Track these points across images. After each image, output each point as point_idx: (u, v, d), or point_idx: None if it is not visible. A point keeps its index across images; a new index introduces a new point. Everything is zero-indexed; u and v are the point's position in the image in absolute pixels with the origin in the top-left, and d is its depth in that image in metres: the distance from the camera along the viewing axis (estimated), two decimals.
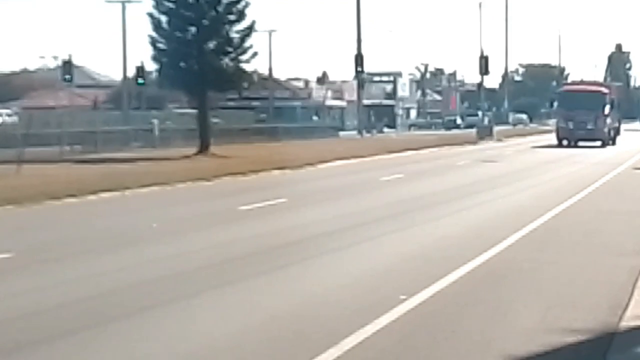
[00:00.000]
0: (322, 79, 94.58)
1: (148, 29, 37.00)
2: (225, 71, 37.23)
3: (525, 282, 9.93)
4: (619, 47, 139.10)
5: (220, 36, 37.15)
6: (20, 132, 31.00)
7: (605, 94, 48.81)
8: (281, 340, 7.43)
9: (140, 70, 52.25)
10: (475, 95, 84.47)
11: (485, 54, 68.63)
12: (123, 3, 55.01)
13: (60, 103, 56.87)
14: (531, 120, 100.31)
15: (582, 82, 57.91)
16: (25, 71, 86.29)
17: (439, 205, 17.93)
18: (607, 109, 47.69)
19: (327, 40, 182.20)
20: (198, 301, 9.00)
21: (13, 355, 7.01)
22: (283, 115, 67.74)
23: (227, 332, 7.79)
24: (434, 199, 19.31)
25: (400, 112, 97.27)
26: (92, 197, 19.70)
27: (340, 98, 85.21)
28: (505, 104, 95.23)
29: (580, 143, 45.59)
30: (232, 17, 37.22)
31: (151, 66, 42.64)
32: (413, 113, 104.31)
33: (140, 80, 52.78)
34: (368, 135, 64.57)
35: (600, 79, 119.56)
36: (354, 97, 70.57)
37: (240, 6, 37.23)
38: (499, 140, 54.87)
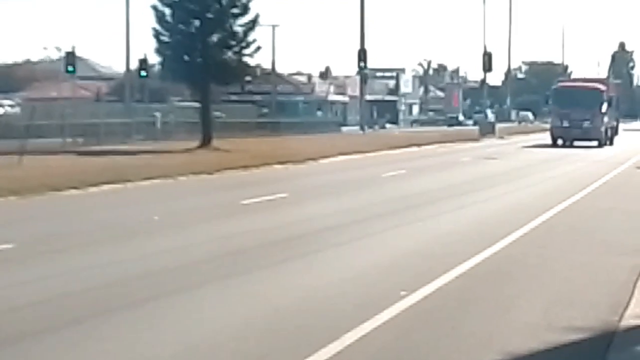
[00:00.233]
0: (325, 74, 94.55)
1: (152, 22, 37.04)
2: (229, 65, 37.25)
3: (526, 280, 9.94)
4: (622, 45, 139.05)
5: (224, 29, 37.14)
6: (22, 124, 31.01)
7: (602, 91, 46.04)
8: (283, 333, 7.45)
9: (143, 62, 52.18)
10: (478, 92, 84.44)
11: (488, 51, 68.67)
12: None
13: (63, 94, 56.85)
14: (535, 118, 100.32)
15: (578, 79, 55.41)
16: (28, 62, 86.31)
17: (441, 202, 17.94)
18: (604, 107, 45.34)
19: (330, 35, 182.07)
20: (200, 293, 9.02)
21: (17, 344, 7.03)
22: (285, 110, 67.74)
23: (229, 324, 7.81)
24: (435, 195, 19.32)
25: (402, 108, 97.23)
26: (94, 189, 19.72)
27: (343, 93, 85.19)
28: (508, 102, 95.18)
29: (576, 143, 43.75)
30: (236, 11, 37.22)
31: (154, 59, 42.60)
32: (415, 109, 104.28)
33: (143, 73, 52.71)
34: (370, 130, 64.57)
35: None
36: (357, 93, 70.54)
37: (244, 0, 37.22)
38: (501, 137, 54.86)
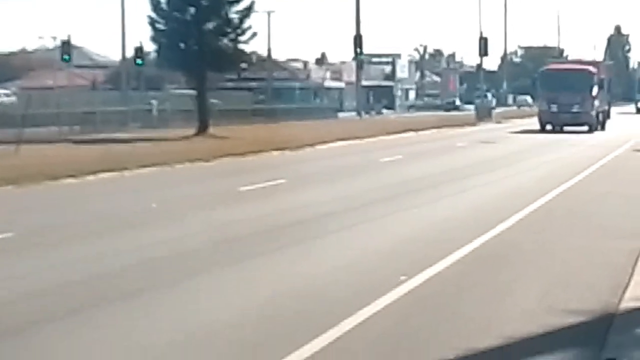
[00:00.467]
0: (321, 60, 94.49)
1: (147, 9, 36.95)
2: (224, 52, 37.17)
3: (524, 264, 9.95)
4: (618, 29, 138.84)
5: (219, 17, 37.04)
6: (19, 113, 30.93)
7: (592, 73, 43.64)
8: (280, 320, 7.44)
9: (139, 50, 52.09)
10: (474, 77, 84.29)
11: (484, 36, 68.61)
12: None
13: (59, 83, 56.77)
14: (533, 102, 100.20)
15: (566, 61, 53.57)
16: (23, 51, 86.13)
17: (439, 187, 17.93)
18: (594, 90, 42.99)
19: (325, 21, 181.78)
20: (197, 282, 9.01)
21: (15, 334, 7.02)
22: (282, 96, 67.64)
23: (228, 312, 7.81)
24: (433, 180, 19.31)
25: (399, 93, 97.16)
26: (91, 178, 19.69)
27: (339, 79, 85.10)
28: (504, 86, 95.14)
29: (566, 128, 41.64)
30: None
31: (150, 47, 42.56)
32: (412, 94, 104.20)
33: (139, 61, 52.63)
34: (367, 116, 64.51)
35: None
36: (353, 78, 70.47)
37: None
38: (498, 122, 54.83)
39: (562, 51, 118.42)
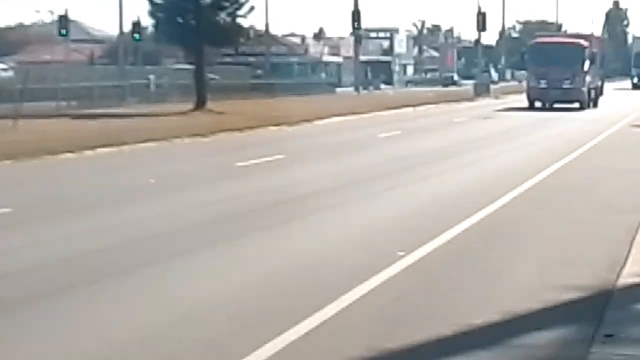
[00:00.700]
0: (318, 35, 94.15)
1: None
2: (222, 26, 37.03)
3: (523, 239, 9.96)
4: (616, 3, 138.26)
5: None
6: (16, 87, 30.83)
7: (583, 47, 41.29)
8: (280, 296, 7.45)
9: (137, 25, 51.88)
10: (473, 52, 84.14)
11: (482, 11, 68.41)
12: None
13: (56, 58, 56.56)
14: None
15: (557, 34, 51.18)
16: (20, 26, 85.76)
17: (437, 162, 17.93)
18: (586, 65, 40.71)
19: None
20: (196, 257, 9.01)
21: (11, 310, 7.02)
22: (279, 72, 67.42)
23: (226, 287, 7.81)
24: (431, 155, 19.30)
25: (397, 68, 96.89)
26: (89, 153, 19.67)
27: (337, 54, 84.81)
28: (502, 61, 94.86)
29: (555, 105, 39.78)
30: None
31: (147, 21, 42.38)
32: (410, 69, 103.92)
33: (136, 36, 52.41)
34: (365, 91, 64.37)
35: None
36: (351, 54, 70.22)
37: None
38: (496, 97, 54.71)
39: (560, 26, 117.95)
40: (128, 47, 54.87)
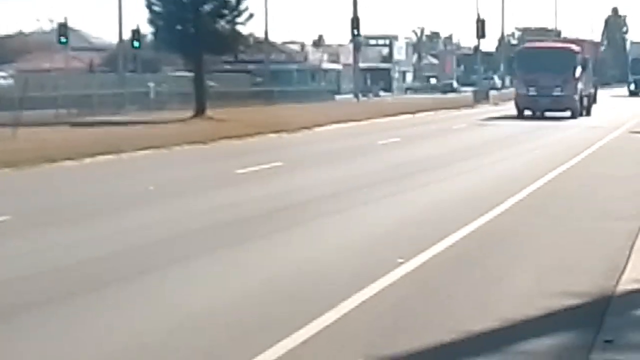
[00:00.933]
0: (318, 42, 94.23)
1: None
2: (221, 34, 37.06)
3: (522, 246, 9.95)
4: (615, 10, 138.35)
5: None
6: (16, 95, 30.85)
7: (575, 52, 39.08)
8: (279, 303, 7.43)
9: (136, 33, 51.89)
10: (472, 59, 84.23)
11: (481, 18, 68.42)
12: None
13: (56, 66, 56.60)
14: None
15: (548, 39, 49.06)
16: (20, 34, 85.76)
17: (436, 169, 17.93)
18: (577, 71, 38.42)
19: (323, 3, 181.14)
20: (196, 264, 9.00)
21: (10, 317, 7.01)
22: (279, 79, 67.45)
23: (225, 294, 7.80)
24: (430, 162, 19.30)
25: (396, 75, 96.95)
26: (89, 160, 19.66)
27: (336, 61, 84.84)
28: (502, 68, 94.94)
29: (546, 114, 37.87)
30: None
31: (147, 29, 42.37)
32: (409, 76, 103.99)
33: (135, 43, 52.43)
34: (364, 98, 64.41)
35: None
36: (350, 61, 70.27)
37: None
38: (495, 104, 54.72)
39: (559, 33, 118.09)
40: (127, 55, 54.87)
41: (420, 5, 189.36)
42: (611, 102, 54.33)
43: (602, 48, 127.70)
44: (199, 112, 36.57)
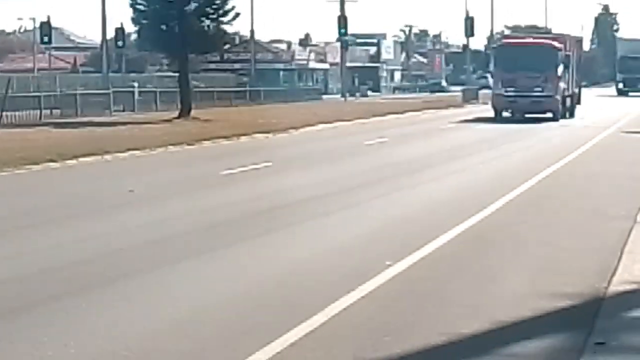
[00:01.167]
0: (304, 41, 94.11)
1: None
2: (207, 33, 36.92)
3: (513, 247, 9.86)
4: (606, 8, 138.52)
5: None
6: None
7: (557, 49, 36.03)
8: (267, 306, 7.34)
9: (120, 32, 51.66)
10: (461, 57, 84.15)
11: (470, 15, 68.46)
12: None
13: (39, 66, 56.36)
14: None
15: (526, 34, 44.83)
16: (2, 33, 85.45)
17: (425, 170, 17.83)
18: (559, 70, 35.71)
19: (310, 1, 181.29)
20: (182, 267, 8.88)
21: None
22: (265, 78, 67.38)
23: (212, 298, 7.69)
24: (419, 163, 19.21)
25: (384, 74, 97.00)
26: (72, 162, 19.48)
27: (324, 60, 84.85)
28: (491, 66, 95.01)
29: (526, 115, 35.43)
30: None
31: (131, 28, 42.17)
32: (397, 75, 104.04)
33: (119, 43, 52.22)
34: (352, 98, 64.37)
35: (587, 42, 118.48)
36: (338, 60, 70.30)
37: None
38: (485, 103, 54.65)
39: (549, 31, 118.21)
40: (111, 55, 54.68)
41: (409, 3, 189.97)
42: (598, 102, 53.82)
43: (594, 46, 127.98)
44: (184, 112, 36.41)
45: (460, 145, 23.81)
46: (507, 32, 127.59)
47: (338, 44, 68.23)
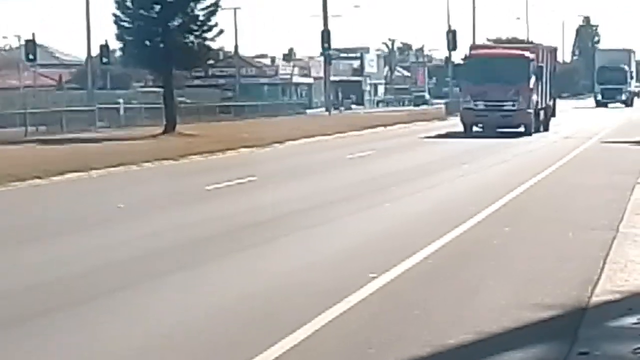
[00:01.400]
0: (288, 56, 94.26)
1: (112, 7, 36.57)
2: (191, 49, 36.91)
3: (496, 258, 9.90)
4: (587, 20, 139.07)
5: (185, 14, 36.77)
6: None
7: (529, 59, 34.14)
8: (252, 320, 7.36)
9: (105, 48, 51.62)
10: (444, 71, 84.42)
11: (452, 29, 68.61)
12: None
13: (24, 83, 56.22)
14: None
15: (496, 44, 43.81)
16: None
17: (408, 183, 17.89)
18: (532, 82, 33.80)
19: (293, 16, 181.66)
20: (167, 282, 8.89)
21: None
22: (250, 93, 67.45)
23: (197, 313, 7.69)
24: (403, 176, 19.26)
25: (367, 88, 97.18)
26: (58, 178, 19.44)
27: (307, 75, 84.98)
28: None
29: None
30: None
31: (116, 44, 42.15)
32: (381, 89, 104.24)
33: (104, 59, 52.16)
34: (336, 112, 64.46)
35: (568, 53, 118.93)
36: (321, 74, 70.37)
37: None
38: None
39: (531, 43, 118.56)
40: (96, 71, 54.61)
41: (391, 17, 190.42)
42: (575, 115, 53.06)
43: (575, 58, 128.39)
44: (169, 128, 36.37)
45: (444, 158, 23.89)
46: (489, 44, 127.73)
47: (322, 59, 68.33)
